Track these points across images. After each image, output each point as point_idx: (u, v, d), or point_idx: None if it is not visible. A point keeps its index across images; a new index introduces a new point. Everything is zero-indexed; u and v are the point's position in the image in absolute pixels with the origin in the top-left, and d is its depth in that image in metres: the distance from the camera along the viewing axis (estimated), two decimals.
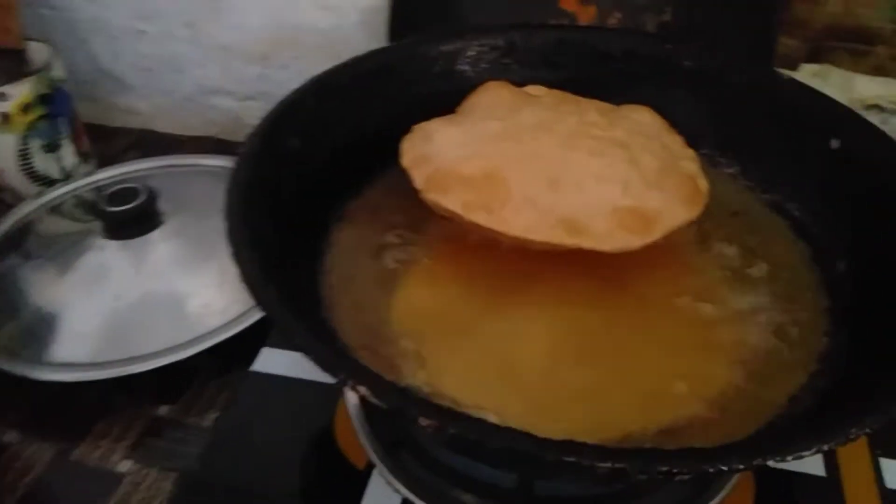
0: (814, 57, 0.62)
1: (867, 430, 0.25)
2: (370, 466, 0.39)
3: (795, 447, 0.24)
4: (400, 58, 0.46)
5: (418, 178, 0.38)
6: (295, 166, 0.40)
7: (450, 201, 0.37)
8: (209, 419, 0.49)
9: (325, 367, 0.26)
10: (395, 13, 0.65)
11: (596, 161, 0.37)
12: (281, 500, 0.40)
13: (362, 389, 0.25)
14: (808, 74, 0.63)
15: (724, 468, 0.24)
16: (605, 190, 0.36)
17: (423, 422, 0.24)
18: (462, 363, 0.35)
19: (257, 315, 0.52)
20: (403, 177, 0.39)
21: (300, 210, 0.39)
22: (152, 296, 0.54)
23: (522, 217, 0.36)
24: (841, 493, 0.40)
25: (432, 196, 0.37)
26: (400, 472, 0.38)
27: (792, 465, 0.41)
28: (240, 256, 0.30)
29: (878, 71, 0.61)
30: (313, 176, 0.41)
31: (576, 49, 0.49)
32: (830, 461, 0.41)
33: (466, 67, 0.48)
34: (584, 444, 0.24)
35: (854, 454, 0.42)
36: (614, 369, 0.35)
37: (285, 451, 0.42)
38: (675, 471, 0.24)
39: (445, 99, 0.45)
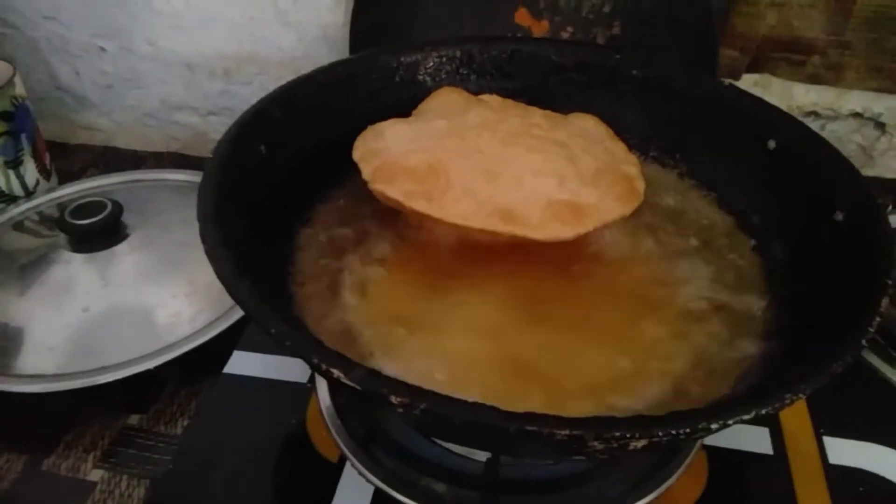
0: (754, 67, 0.66)
1: (800, 396, 0.27)
2: (343, 460, 0.41)
3: (736, 411, 0.27)
4: (362, 68, 0.48)
5: (366, 170, 0.41)
6: (263, 172, 0.41)
7: (393, 190, 0.39)
8: (180, 427, 0.50)
9: (300, 352, 0.28)
10: (355, 29, 0.67)
11: (534, 157, 0.40)
12: (256, 497, 0.41)
13: (336, 372, 0.27)
14: (749, 84, 0.66)
15: (674, 433, 0.26)
16: (542, 183, 0.39)
17: (395, 399, 0.26)
18: (419, 354, 0.37)
19: (225, 324, 0.53)
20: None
21: (269, 213, 0.40)
22: (120, 307, 0.55)
23: (460, 206, 0.38)
24: (788, 470, 0.42)
25: (378, 186, 0.40)
26: (372, 463, 0.39)
27: (742, 444, 0.43)
28: (214, 254, 0.31)
29: (814, 80, 0.65)
30: (281, 181, 0.42)
31: (530, 60, 0.51)
32: (777, 440, 0.44)
33: (426, 78, 0.50)
34: (544, 415, 0.26)
35: (799, 433, 0.44)
36: (563, 354, 0.37)
37: (259, 449, 0.43)
38: (627, 436, 0.25)
39: (406, 108, 0.47)
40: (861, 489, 0.42)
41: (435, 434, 0.35)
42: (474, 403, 0.26)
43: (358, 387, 0.26)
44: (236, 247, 0.33)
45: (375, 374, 0.27)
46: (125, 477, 0.47)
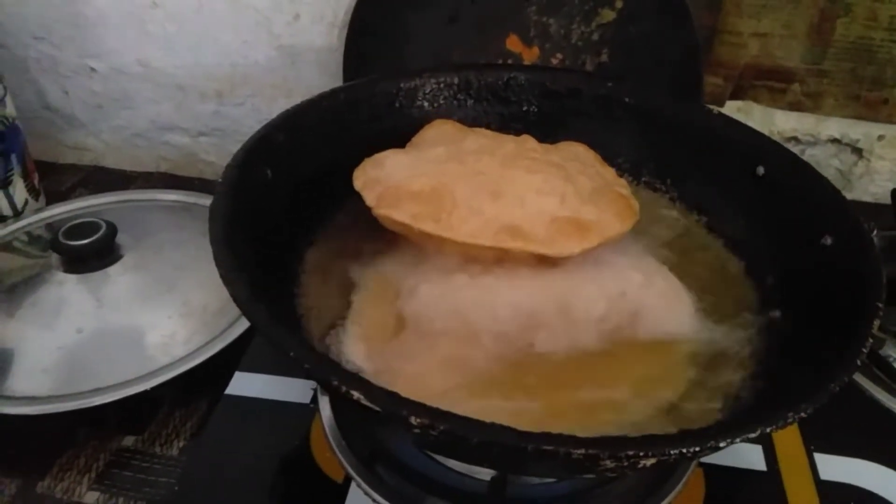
0: (737, 94, 0.68)
1: (802, 415, 0.28)
2: (348, 480, 0.41)
3: (744, 430, 0.28)
4: (363, 94, 0.49)
5: (370, 197, 0.41)
6: (269, 196, 0.42)
7: (400, 214, 0.40)
8: (176, 448, 0.50)
9: (319, 375, 0.28)
10: (349, 53, 0.68)
11: (534, 177, 0.41)
12: None
13: (356, 394, 0.27)
14: (732, 110, 0.69)
15: (685, 451, 0.27)
16: (545, 201, 0.40)
17: (415, 421, 0.27)
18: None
19: (221, 345, 0.53)
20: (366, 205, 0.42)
21: (276, 236, 0.41)
22: (115, 328, 0.55)
23: (468, 225, 0.39)
24: (781, 486, 0.44)
25: (384, 211, 0.40)
26: (377, 483, 0.40)
27: (737, 461, 0.44)
28: (229, 278, 0.32)
29: (795, 107, 0.68)
30: (286, 204, 0.43)
31: (526, 86, 0.53)
32: (770, 457, 0.45)
33: (425, 103, 0.52)
34: (560, 435, 0.26)
35: (791, 450, 0.46)
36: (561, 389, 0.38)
37: (263, 470, 0.43)
38: (640, 454, 0.26)
39: (406, 132, 0.48)
40: None
41: (446, 453, 0.35)
42: (492, 424, 0.27)
43: (378, 409, 0.27)
44: (248, 270, 0.34)
45: (395, 396, 0.27)
46: (121, 499, 0.47)
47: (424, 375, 0.37)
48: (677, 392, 0.38)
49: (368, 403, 0.27)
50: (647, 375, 0.39)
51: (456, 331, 0.38)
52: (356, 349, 0.38)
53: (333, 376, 0.28)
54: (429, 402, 0.27)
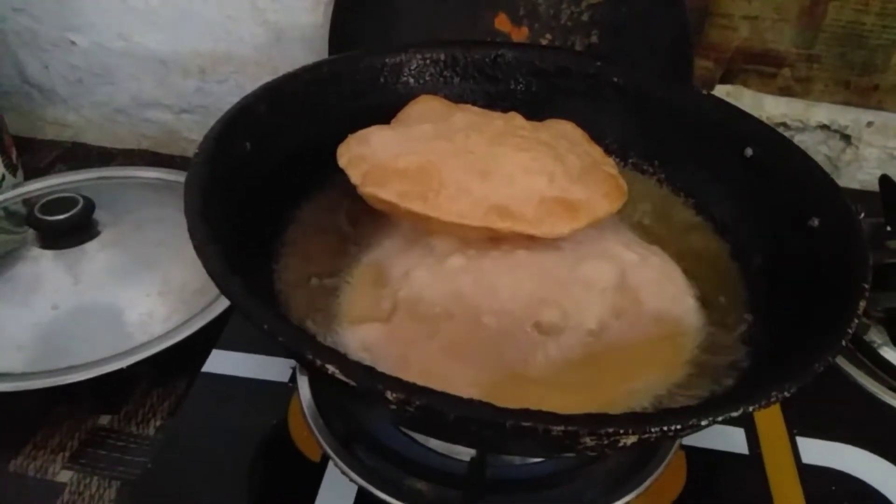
0: (727, 78, 0.68)
1: (785, 394, 0.28)
2: (325, 459, 0.40)
3: (725, 409, 0.27)
4: (347, 68, 0.48)
5: (355, 175, 0.40)
6: (248, 169, 0.41)
7: (386, 192, 0.38)
8: (152, 428, 0.49)
9: (294, 348, 0.27)
10: (335, 30, 0.66)
11: (523, 155, 0.40)
12: (237, 496, 0.40)
13: (331, 368, 0.27)
14: (721, 94, 0.68)
15: (665, 429, 0.26)
16: (533, 181, 0.39)
17: (390, 396, 0.26)
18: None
19: (199, 324, 0.52)
20: (351, 183, 0.41)
21: (254, 211, 0.40)
22: (91, 305, 0.54)
23: (457, 204, 0.38)
24: (763, 469, 0.43)
25: (369, 189, 0.39)
26: (355, 463, 0.39)
27: (719, 444, 0.44)
28: (204, 250, 0.31)
29: (784, 92, 0.67)
30: (265, 179, 0.42)
31: (514, 64, 0.52)
32: (753, 440, 0.45)
33: (410, 79, 0.51)
34: (539, 412, 0.26)
35: (774, 433, 0.45)
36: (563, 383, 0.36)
37: (239, 449, 0.42)
38: (620, 432, 0.26)
39: (390, 109, 0.47)
40: (833, 488, 0.43)
41: (425, 430, 0.35)
42: (470, 400, 0.26)
43: (354, 383, 0.26)
44: (224, 243, 0.33)
45: (371, 371, 0.27)
46: (95, 478, 0.46)
47: (427, 361, 0.35)
48: (671, 378, 0.37)
49: (344, 378, 0.27)
50: (648, 359, 0.38)
51: (457, 314, 0.37)
52: (351, 336, 0.37)
53: (308, 350, 0.27)
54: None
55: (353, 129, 0.43)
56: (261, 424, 0.44)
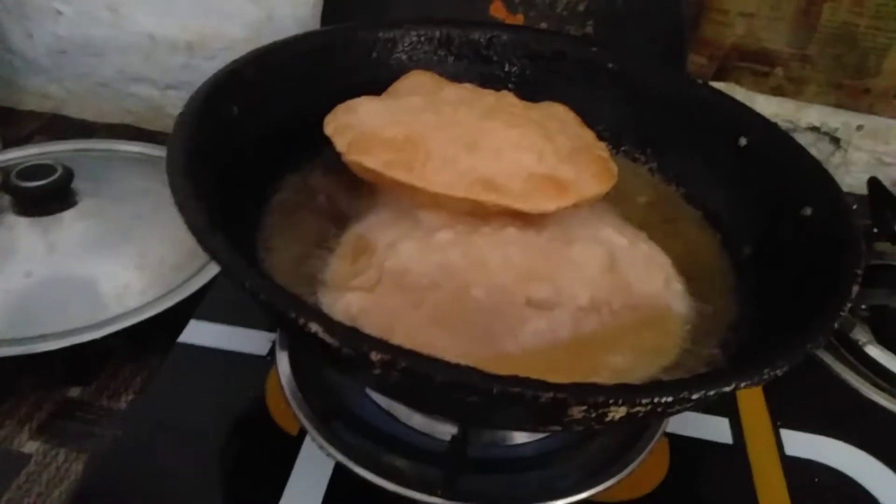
0: (720, 76, 0.68)
1: (777, 372, 0.27)
2: (303, 433, 0.39)
3: (717, 383, 0.27)
4: (340, 41, 0.47)
5: (340, 143, 0.39)
6: (233, 134, 0.40)
7: (371, 161, 0.38)
8: (123, 402, 0.48)
9: (276, 306, 0.26)
10: (327, 9, 0.66)
11: (513, 131, 0.39)
12: (212, 469, 0.39)
13: (314, 327, 0.26)
14: None
15: (656, 401, 0.26)
16: (522, 157, 0.38)
17: (374, 357, 0.25)
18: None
19: (176, 298, 0.51)
20: (339, 155, 0.40)
21: (239, 178, 0.39)
22: (65, 275, 0.52)
23: (442, 175, 0.37)
24: (746, 459, 0.43)
25: (354, 157, 0.38)
26: (333, 438, 0.38)
27: (703, 433, 0.44)
28: (186, 205, 0.30)
29: (777, 91, 0.67)
30: (251, 146, 0.41)
31: (509, 46, 0.51)
32: (737, 430, 0.44)
33: (403, 56, 0.50)
34: (527, 378, 0.25)
35: (758, 424, 0.45)
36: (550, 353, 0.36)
37: (213, 421, 0.41)
38: (609, 402, 0.25)
39: (381, 86, 0.46)
40: (816, 480, 0.43)
41: (408, 399, 0.34)
42: (457, 364, 0.25)
43: (337, 343, 0.25)
44: (206, 202, 0.32)
45: (355, 331, 0.26)
46: (63, 450, 0.45)
47: (413, 331, 0.34)
48: (661, 361, 0.36)
49: (327, 338, 0.26)
50: (637, 342, 0.37)
51: (445, 285, 0.36)
52: (336, 304, 0.36)
53: (291, 309, 0.26)
54: None
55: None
56: (237, 397, 0.42)
